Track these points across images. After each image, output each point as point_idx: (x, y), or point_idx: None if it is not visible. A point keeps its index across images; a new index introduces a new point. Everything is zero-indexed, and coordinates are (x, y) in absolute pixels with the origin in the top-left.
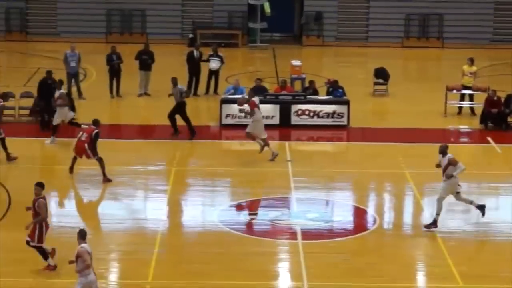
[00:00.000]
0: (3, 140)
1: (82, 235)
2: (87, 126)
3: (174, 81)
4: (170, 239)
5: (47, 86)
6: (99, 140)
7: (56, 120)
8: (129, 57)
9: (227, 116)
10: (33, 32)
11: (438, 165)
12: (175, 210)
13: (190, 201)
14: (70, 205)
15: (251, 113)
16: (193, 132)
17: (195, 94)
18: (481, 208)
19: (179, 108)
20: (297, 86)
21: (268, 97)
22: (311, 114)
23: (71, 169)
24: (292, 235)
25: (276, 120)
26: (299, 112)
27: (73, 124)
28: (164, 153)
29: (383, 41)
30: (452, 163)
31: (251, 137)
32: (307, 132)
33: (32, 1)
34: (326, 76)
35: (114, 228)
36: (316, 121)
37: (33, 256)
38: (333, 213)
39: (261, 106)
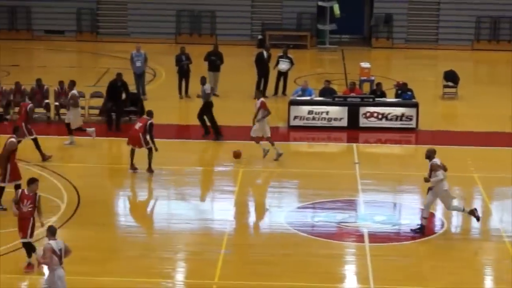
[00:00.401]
0: (35, 140)
1: (51, 231)
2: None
3: (203, 81)
4: (237, 240)
5: (116, 87)
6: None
7: (76, 123)
8: (198, 58)
9: (295, 117)
10: (103, 33)
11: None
12: (242, 211)
13: (257, 202)
14: (138, 204)
15: (265, 115)
16: (218, 134)
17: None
18: (472, 213)
19: (206, 108)
20: (366, 88)
21: (336, 99)
22: (380, 116)
23: (132, 165)
24: (359, 237)
25: (344, 122)
26: (368, 114)
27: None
28: (232, 154)
29: (453, 44)
30: (433, 169)
31: (255, 140)
32: (375, 135)
33: (103, 1)
34: (395, 78)
35: (181, 228)
36: (384, 123)
37: (101, 255)
38: (400, 216)
39: (330, 108)
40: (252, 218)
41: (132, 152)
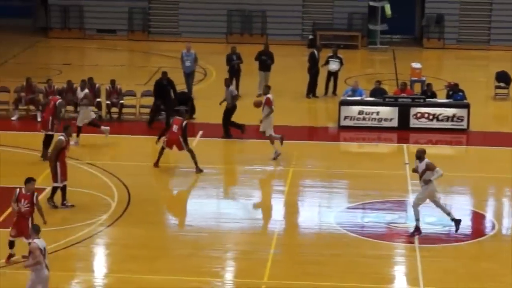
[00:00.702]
0: (50, 137)
1: (35, 230)
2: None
3: (227, 83)
4: (286, 240)
5: (162, 86)
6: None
7: (81, 121)
8: (249, 57)
9: (345, 117)
10: (155, 32)
11: (415, 170)
12: (291, 211)
13: (307, 202)
14: (189, 204)
15: (269, 112)
16: (228, 135)
17: (314, 95)
18: (456, 222)
19: (228, 112)
20: (417, 88)
21: (387, 99)
22: (430, 117)
23: (157, 164)
24: (409, 238)
25: (394, 123)
26: (418, 115)
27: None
28: (282, 153)
29: (505, 44)
30: (430, 168)
31: (269, 138)
32: (426, 135)
33: (155, 1)
34: (446, 79)
35: (231, 227)
36: (435, 124)
37: (150, 253)
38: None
39: (380, 108)
40: (301, 218)
41: (162, 151)
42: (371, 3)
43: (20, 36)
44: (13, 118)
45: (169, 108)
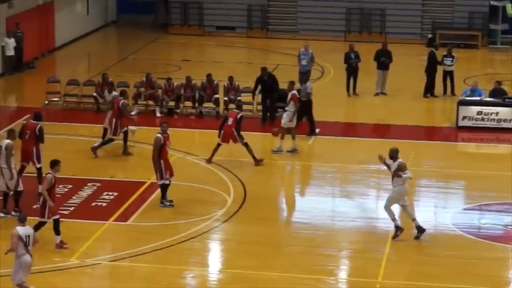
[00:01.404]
0: (110, 138)
1: (20, 218)
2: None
3: (303, 79)
4: (401, 239)
5: (264, 82)
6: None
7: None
8: (367, 55)
9: (463, 118)
10: (273, 29)
11: (387, 165)
12: None
13: (422, 202)
14: (302, 201)
15: (295, 110)
16: (313, 131)
17: (432, 94)
18: (420, 230)
19: (305, 106)
20: None
21: (507, 100)
22: None
23: (210, 160)
24: None
25: None
26: None
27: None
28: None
29: None
30: (402, 168)
31: (280, 132)
32: None
33: None
34: None
35: (345, 225)
36: None
37: (265, 250)
38: None
39: (499, 109)
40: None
41: (217, 148)
42: (492, 2)
43: (141, 32)
44: (132, 113)
45: (273, 104)
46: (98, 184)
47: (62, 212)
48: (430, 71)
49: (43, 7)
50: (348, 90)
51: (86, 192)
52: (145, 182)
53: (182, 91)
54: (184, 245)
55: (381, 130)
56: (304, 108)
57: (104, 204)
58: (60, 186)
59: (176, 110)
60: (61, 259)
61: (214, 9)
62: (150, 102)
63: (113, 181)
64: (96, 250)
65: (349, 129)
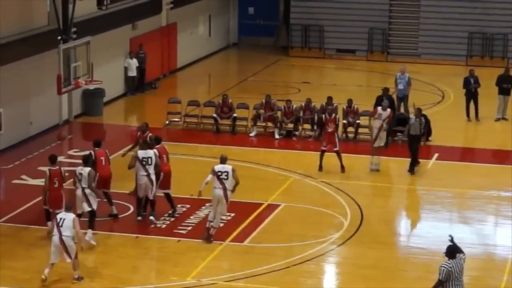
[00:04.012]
0: None
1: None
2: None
3: (418, 112)
4: None
5: (381, 102)
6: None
7: None
8: (488, 81)
9: None
10: (394, 53)
11: None
12: None
13: None
14: (420, 225)
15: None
16: (412, 168)
17: None
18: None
19: (415, 140)
20: None
21: None
22: None
23: (320, 167)
24: None
25: None
26: None
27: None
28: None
29: None
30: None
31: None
32: None
33: (395, 21)
34: None
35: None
36: None
37: (382, 274)
38: None
39: None
40: None
41: (322, 154)
42: None
43: (262, 54)
44: (251, 134)
45: (389, 128)
46: None
47: (180, 231)
48: None
49: (166, 28)
50: (468, 115)
51: (203, 212)
52: (262, 204)
53: (301, 113)
54: (299, 268)
55: (501, 156)
56: (414, 142)
57: (221, 225)
58: (179, 205)
59: (294, 132)
60: (178, 278)
61: (335, 32)
62: (269, 124)
63: (230, 202)
64: (212, 270)
65: (468, 154)
